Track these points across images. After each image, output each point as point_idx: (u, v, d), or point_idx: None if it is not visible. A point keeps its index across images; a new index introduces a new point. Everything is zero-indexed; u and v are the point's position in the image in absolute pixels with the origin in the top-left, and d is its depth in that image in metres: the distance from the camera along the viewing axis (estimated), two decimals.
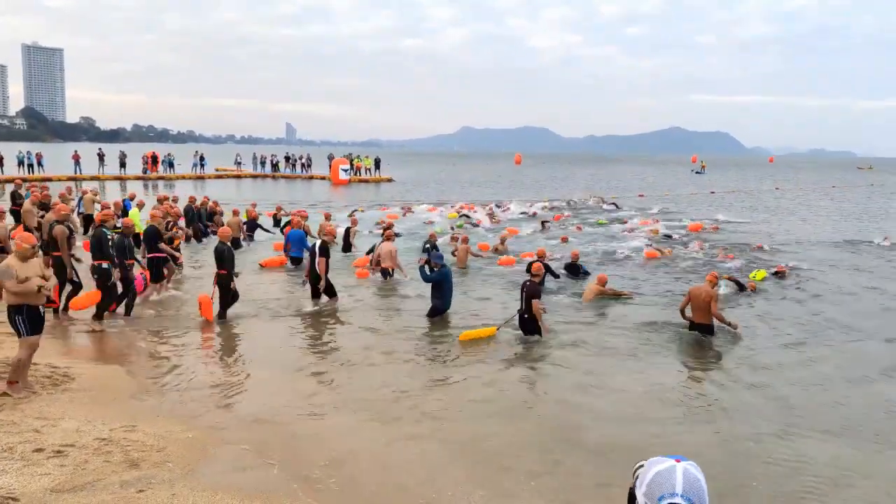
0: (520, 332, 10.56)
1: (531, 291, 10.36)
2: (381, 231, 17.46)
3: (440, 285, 11.43)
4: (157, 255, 12.45)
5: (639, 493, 1.84)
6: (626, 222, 26.16)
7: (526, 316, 10.44)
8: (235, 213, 19.34)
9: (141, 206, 18.35)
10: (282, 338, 10.48)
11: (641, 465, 1.95)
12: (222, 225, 17.43)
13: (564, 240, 21.15)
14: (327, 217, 19.43)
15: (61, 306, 10.67)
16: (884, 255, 19.75)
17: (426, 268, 11.72)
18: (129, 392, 7.93)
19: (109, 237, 10.58)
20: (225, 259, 11.16)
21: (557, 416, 7.59)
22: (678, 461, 1.83)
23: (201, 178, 50.12)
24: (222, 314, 11.14)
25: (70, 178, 41.58)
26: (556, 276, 14.43)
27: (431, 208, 29.49)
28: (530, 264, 11.15)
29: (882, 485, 6.17)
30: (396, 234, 18.94)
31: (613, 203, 33.80)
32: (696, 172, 73.06)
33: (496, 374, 8.93)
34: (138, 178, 46.12)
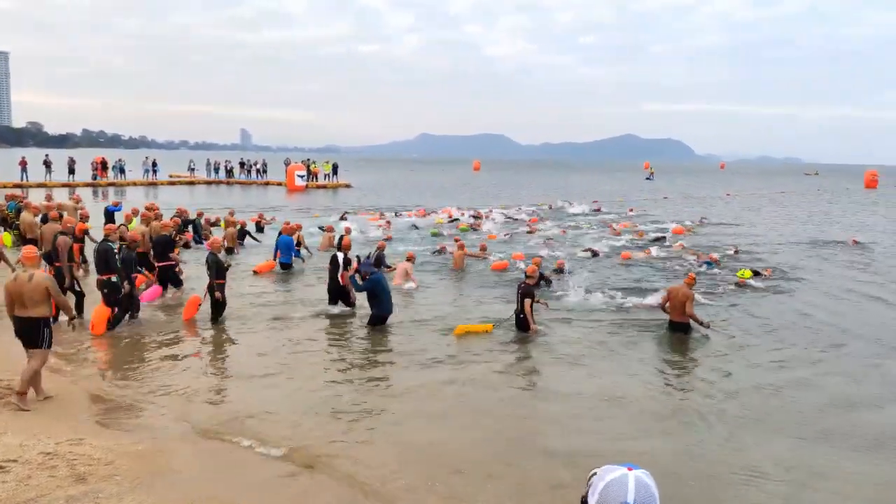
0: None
1: (525, 292, 11.06)
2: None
3: (374, 293, 11.35)
4: (168, 262, 12.97)
5: (591, 502, 1.86)
6: (609, 226, 27.21)
7: (521, 315, 11.07)
8: (232, 223, 19.55)
9: (135, 212, 18.31)
10: (248, 345, 10.33)
11: (595, 473, 1.97)
12: (210, 234, 17.82)
13: (550, 243, 21.78)
14: (329, 229, 19.45)
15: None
16: (842, 254, 20.60)
17: (357, 277, 11.57)
18: (78, 404, 7.75)
19: (116, 250, 10.72)
20: (221, 269, 11.41)
21: (515, 420, 7.64)
22: (630, 469, 1.84)
23: (154, 184, 49.09)
24: (215, 319, 11.32)
25: (16, 185, 40.28)
26: (549, 282, 14.89)
27: (411, 213, 30.14)
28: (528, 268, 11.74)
29: (829, 484, 6.35)
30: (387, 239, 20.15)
31: (598, 208, 35.43)
32: (647, 179, 74.42)
33: (455, 376, 8.96)
34: (88, 185, 44.91)
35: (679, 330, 11.12)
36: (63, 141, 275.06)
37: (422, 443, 6.88)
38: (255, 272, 15.94)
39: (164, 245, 13.03)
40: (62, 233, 11.42)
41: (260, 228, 23.16)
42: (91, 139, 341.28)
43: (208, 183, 53.28)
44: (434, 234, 23.51)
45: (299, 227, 18.45)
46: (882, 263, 19.47)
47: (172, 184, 51.07)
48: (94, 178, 47.61)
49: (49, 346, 7.62)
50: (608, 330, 11.51)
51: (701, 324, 11.14)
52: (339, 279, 12.37)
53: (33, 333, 7.46)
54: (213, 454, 6.49)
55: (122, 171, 49.83)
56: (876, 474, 6.52)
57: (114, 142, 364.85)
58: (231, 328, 11.16)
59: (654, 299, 12.92)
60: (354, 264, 12.00)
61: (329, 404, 7.86)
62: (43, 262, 12.76)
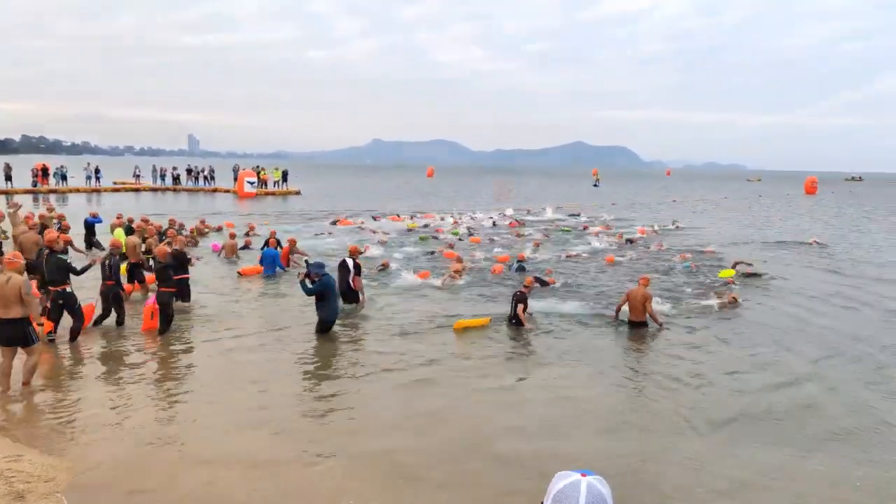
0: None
1: (520, 299, 11.81)
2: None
3: (323, 295, 11.23)
4: (184, 276, 12.95)
5: None
6: (586, 227, 28.45)
7: (514, 321, 11.75)
8: (232, 235, 19.90)
9: (130, 221, 18.34)
10: (203, 354, 10.09)
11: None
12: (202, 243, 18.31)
13: (537, 244, 22.21)
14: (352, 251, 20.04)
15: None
16: (803, 254, 21.37)
17: (307, 281, 11.46)
18: (17, 418, 7.49)
19: (69, 261, 10.83)
20: (167, 278, 11.34)
21: (470, 425, 7.62)
22: (584, 475, 1.84)
23: (97, 191, 47.74)
24: (163, 330, 11.02)
25: None
26: (546, 283, 15.48)
27: (398, 218, 30.59)
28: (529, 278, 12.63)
29: (781, 484, 6.47)
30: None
31: (576, 214, 36.51)
32: (594, 185, 75.53)
33: (410, 384, 8.90)
34: (28, 192, 43.33)
35: (638, 327, 11.72)
36: (1, 147, 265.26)
37: (374, 452, 6.83)
38: (240, 274, 16.16)
39: (180, 259, 13.17)
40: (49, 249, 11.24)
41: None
42: (31, 145, 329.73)
43: (154, 190, 52.09)
44: (422, 239, 23.84)
45: (293, 243, 18.49)
46: (835, 262, 20.50)
47: (117, 190, 49.76)
48: (35, 184, 46.07)
49: (37, 341, 8.27)
50: (572, 333, 11.64)
51: (659, 324, 11.76)
52: (352, 283, 13.03)
53: (19, 333, 8.05)
54: (159, 470, 6.33)
55: (63, 177, 48.28)
56: (833, 473, 6.65)
57: (55, 147, 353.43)
58: (184, 339, 10.85)
59: (618, 300, 13.19)
60: (302, 272, 11.91)
61: (273, 418, 7.69)
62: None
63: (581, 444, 7.22)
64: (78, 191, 46.54)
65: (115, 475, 6.11)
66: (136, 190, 51.55)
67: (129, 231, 17.12)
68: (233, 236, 19.75)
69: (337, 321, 11.60)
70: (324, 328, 11.21)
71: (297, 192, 51.31)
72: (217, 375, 9.12)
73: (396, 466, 6.53)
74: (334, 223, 28.49)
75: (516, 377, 9.43)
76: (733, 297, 13.95)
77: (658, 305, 12.80)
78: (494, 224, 29.88)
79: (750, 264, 18.13)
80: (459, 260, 17.55)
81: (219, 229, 24.57)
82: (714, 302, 13.84)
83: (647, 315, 11.79)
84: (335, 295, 11.46)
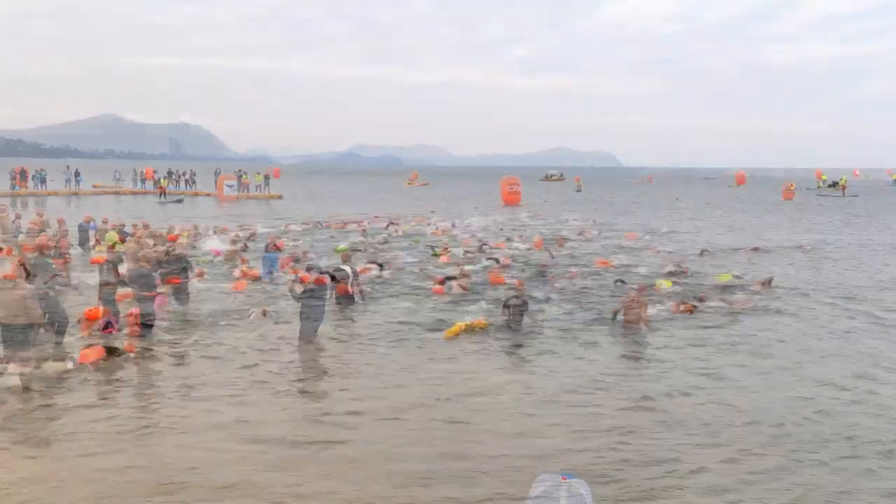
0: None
1: (518, 303, 11.98)
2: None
3: (310, 304, 11.06)
4: (184, 279, 13.36)
5: None
6: (581, 232, 28.61)
7: (511, 326, 11.82)
8: (233, 240, 20.02)
9: (122, 226, 18.87)
10: (191, 363, 9.97)
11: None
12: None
13: (538, 244, 22.49)
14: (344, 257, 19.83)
15: None
16: (794, 259, 21.69)
17: (295, 287, 11.43)
18: None
19: (51, 264, 11.11)
20: (149, 284, 11.36)
21: (461, 429, 7.61)
22: (564, 479, 1.85)
23: (76, 194, 47.38)
24: (144, 336, 10.92)
25: None
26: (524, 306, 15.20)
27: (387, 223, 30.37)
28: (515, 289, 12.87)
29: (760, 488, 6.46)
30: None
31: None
32: (576, 191, 75.99)
33: (405, 391, 8.86)
34: (6, 195, 42.92)
35: (636, 333, 11.80)
36: None
37: (352, 456, 6.80)
38: (236, 277, 15.97)
39: (182, 263, 13.52)
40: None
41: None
42: (10, 148, 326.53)
43: (134, 193, 51.71)
44: (416, 242, 23.87)
45: (305, 254, 18.38)
46: (825, 266, 20.71)
47: (97, 194, 49.39)
48: (13, 187, 45.58)
49: (32, 347, 8.53)
50: (569, 337, 11.57)
51: (648, 328, 11.86)
52: (350, 288, 13.44)
53: (19, 339, 8.30)
54: (129, 478, 6.26)
55: (42, 181, 47.90)
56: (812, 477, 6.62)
57: (34, 150, 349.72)
58: (172, 346, 10.69)
59: (615, 305, 13.21)
60: (291, 280, 11.91)
61: (260, 432, 7.55)
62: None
63: (573, 447, 7.19)
64: (57, 194, 46.12)
65: (92, 489, 6.02)
66: (117, 193, 51.17)
67: (126, 236, 17.15)
68: (233, 241, 19.70)
69: (334, 328, 11.61)
70: (307, 337, 11.07)
71: (280, 197, 51.11)
72: (203, 385, 8.97)
73: (376, 467, 6.50)
74: (321, 225, 28.68)
75: (512, 380, 9.41)
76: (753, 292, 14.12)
77: (653, 310, 12.86)
78: (490, 231, 29.98)
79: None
80: (465, 273, 17.35)
81: (209, 232, 24.43)
82: (721, 305, 13.90)
83: (642, 322, 11.90)
84: (323, 303, 11.36)
